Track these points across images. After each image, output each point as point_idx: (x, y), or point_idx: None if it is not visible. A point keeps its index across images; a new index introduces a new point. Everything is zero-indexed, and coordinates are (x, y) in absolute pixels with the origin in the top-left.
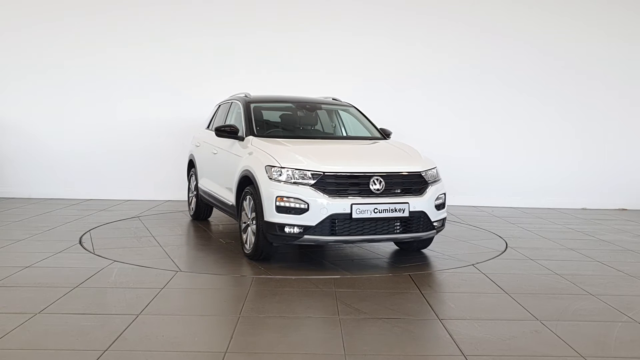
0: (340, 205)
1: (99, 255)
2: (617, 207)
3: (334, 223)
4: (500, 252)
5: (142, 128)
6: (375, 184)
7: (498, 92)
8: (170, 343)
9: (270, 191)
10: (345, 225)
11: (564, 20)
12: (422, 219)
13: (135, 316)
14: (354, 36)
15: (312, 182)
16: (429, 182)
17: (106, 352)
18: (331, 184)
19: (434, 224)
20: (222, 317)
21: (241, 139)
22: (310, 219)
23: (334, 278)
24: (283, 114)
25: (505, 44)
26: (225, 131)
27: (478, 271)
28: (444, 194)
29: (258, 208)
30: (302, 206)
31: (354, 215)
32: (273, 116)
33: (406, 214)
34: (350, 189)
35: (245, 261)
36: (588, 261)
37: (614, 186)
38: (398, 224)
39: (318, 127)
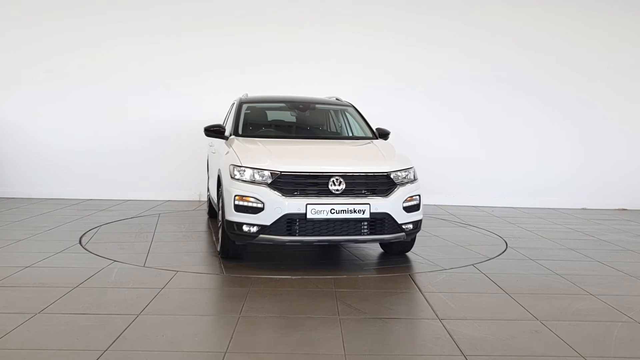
0: (295, 205)
1: (99, 255)
2: (617, 207)
3: (289, 223)
4: (500, 252)
5: (142, 128)
6: (334, 184)
7: (498, 92)
8: (170, 343)
9: (230, 190)
10: (301, 225)
11: (565, 21)
12: (386, 221)
13: (135, 316)
14: (354, 36)
15: (269, 181)
16: (398, 183)
17: (106, 352)
18: (288, 183)
19: (403, 226)
20: (222, 317)
21: (226, 138)
22: (266, 218)
23: (334, 278)
24: (275, 113)
25: (506, 44)
26: (212, 131)
27: (478, 271)
28: (419, 195)
29: (222, 207)
30: (258, 205)
31: (309, 216)
32: (265, 116)
33: (366, 215)
34: (309, 189)
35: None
36: (588, 261)
37: (614, 186)
38: (365, 224)
39: (308, 127)
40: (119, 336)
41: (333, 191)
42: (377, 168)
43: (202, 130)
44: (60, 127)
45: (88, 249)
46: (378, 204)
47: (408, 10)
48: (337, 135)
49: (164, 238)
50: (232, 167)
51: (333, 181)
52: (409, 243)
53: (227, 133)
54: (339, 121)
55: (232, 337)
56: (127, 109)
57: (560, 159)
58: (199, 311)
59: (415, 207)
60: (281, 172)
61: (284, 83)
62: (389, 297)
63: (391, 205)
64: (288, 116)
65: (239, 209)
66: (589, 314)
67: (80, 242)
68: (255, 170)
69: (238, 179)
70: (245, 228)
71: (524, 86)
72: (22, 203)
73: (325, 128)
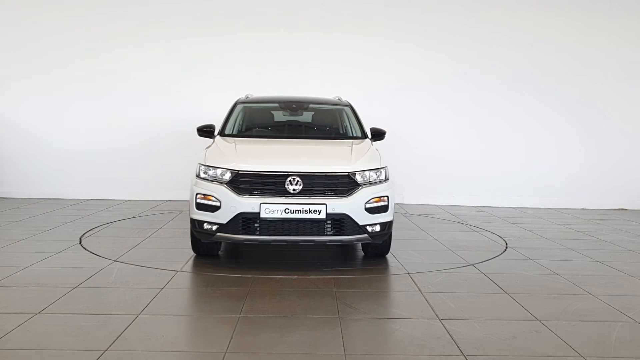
0: (249, 204)
1: (99, 255)
2: (617, 207)
3: (244, 222)
4: (500, 252)
5: (142, 128)
6: (291, 184)
7: (498, 92)
8: (170, 343)
9: (193, 189)
10: (255, 224)
11: (565, 20)
12: (345, 222)
13: (135, 316)
14: (355, 36)
15: (227, 180)
16: (362, 183)
17: (106, 352)
18: (245, 182)
19: (368, 227)
20: (222, 317)
21: (213, 138)
22: (222, 216)
23: (334, 278)
24: (269, 114)
25: (506, 44)
26: (204, 131)
27: (478, 271)
28: (387, 196)
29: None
30: (216, 204)
31: (263, 215)
32: (258, 116)
33: (322, 215)
34: (266, 188)
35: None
36: (588, 261)
37: (614, 186)
38: (327, 225)
39: (297, 127)
40: (119, 336)
41: (290, 191)
42: (338, 168)
43: None
44: (60, 127)
45: (88, 249)
46: (335, 205)
47: (409, 10)
48: (323, 135)
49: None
50: (197, 165)
51: (290, 181)
52: (382, 246)
53: (215, 133)
54: (333, 121)
55: (232, 337)
56: (128, 109)
57: (561, 159)
58: (199, 311)
59: (383, 209)
60: (238, 171)
61: (285, 84)
62: (389, 297)
63: (351, 206)
64: (280, 116)
65: (200, 207)
66: (589, 314)
67: (80, 242)
68: (215, 170)
69: (201, 178)
70: (205, 226)
71: (525, 86)
72: (22, 203)
73: (315, 128)
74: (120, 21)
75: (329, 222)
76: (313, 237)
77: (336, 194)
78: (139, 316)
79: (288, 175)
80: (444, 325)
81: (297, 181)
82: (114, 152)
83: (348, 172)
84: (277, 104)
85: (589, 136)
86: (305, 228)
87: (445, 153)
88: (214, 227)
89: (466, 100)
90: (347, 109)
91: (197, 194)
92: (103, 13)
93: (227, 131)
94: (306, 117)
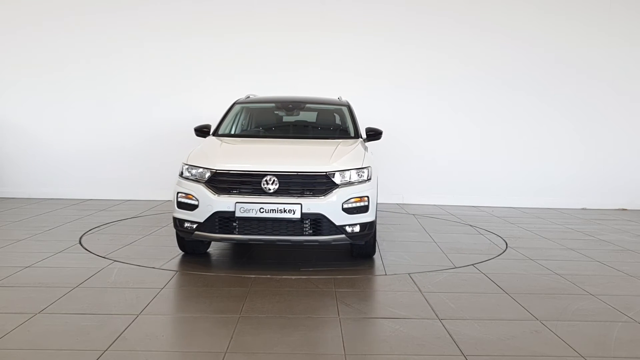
0: (225, 203)
1: (99, 255)
2: (617, 207)
3: (220, 221)
4: (500, 252)
5: (142, 128)
6: (267, 184)
7: (499, 91)
8: (170, 343)
9: (175, 188)
10: (232, 223)
11: (564, 20)
12: (321, 222)
13: (135, 316)
14: (356, 36)
15: (205, 179)
16: (340, 183)
17: (106, 352)
18: (222, 181)
19: (345, 228)
20: (222, 317)
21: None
22: (200, 215)
23: (334, 278)
24: (265, 114)
25: (506, 44)
26: (200, 131)
27: (478, 271)
28: (367, 197)
29: None
30: (194, 203)
31: (238, 214)
32: (253, 116)
33: (297, 215)
34: (242, 187)
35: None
36: (588, 261)
37: (614, 186)
38: (306, 225)
39: (291, 127)
40: (119, 336)
41: (266, 190)
42: (315, 168)
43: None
44: (60, 127)
45: (88, 249)
46: (311, 205)
47: (409, 10)
48: (314, 135)
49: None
50: (181, 164)
51: (266, 180)
52: (366, 246)
53: (210, 133)
54: (327, 121)
55: (232, 337)
56: (128, 109)
57: (561, 159)
58: (199, 311)
59: (363, 209)
60: (216, 170)
61: (285, 84)
62: (389, 297)
63: (327, 206)
64: (276, 117)
65: (180, 205)
66: (589, 314)
67: (80, 242)
68: (197, 169)
69: (183, 177)
70: (186, 225)
71: (525, 86)
72: (22, 203)
73: (308, 128)
74: (121, 22)
75: (306, 222)
76: (289, 236)
77: (313, 193)
78: (139, 316)
79: (264, 175)
80: (444, 325)
81: (274, 181)
82: (114, 152)
83: (325, 172)
84: (273, 104)
85: (589, 136)
86: (281, 228)
87: (445, 153)
88: (193, 226)
89: (466, 100)
90: (344, 109)
91: (178, 192)
92: (103, 14)
93: (220, 131)
94: (302, 117)
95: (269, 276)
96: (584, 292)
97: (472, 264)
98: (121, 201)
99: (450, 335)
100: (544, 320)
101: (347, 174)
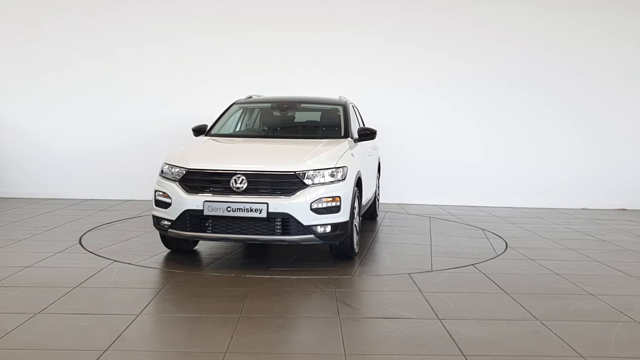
0: (194, 201)
1: (99, 255)
2: (617, 207)
3: (191, 219)
4: (500, 252)
5: (142, 128)
6: (236, 183)
7: (498, 92)
8: (170, 343)
9: (154, 186)
10: (201, 222)
11: (565, 20)
12: (290, 222)
13: (135, 316)
14: (356, 37)
15: (179, 178)
16: (310, 183)
17: (106, 352)
18: (194, 180)
19: (314, 228)
20: (222, 317)
21: None
22: (172, 213)
23: (334, 278)
24: (260, 114)
25: (506, 44)
26: (197, 130)
27: (478, 271)
28: (339, 197)
29: None
30: (168, 201)
31: (206, 212)
32: (249, 117)
33: (263, 214)
34: (213, 186)
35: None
36: (588, 261)
37: (614, 186)
38: (276, 224)
39: (281, 127)
40: (119, 336)
41: (234, 189)
42: (285, 167)
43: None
44: (60, 127)
45: (88, 249)
46: (278, 204)
47: (409, 10)
48: (303, 135)
49: None
50: (163, 164)
51: (235, 179)
52: (342, 247)
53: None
54: (320, 121)
55: (232, 337)
56: (128, 108)
57: (561, 159)
58: (199, 311)
59: (334, 209)
60: (188, 169)
61: (285, 84)
62: (389, 297)
63: (294, 205)
64: (269, 117)
65: (157, 203)
66: (589, 314)
67: (80, 242)
68: (173, 167)
69: (162, 176)
70: (162, 222)
71: (525, 86)
72: (22, 203)
73: (298, 128)
74: (121, 22)
75: (275, 221)
76: (257, 236)
77: (281, 193)
78: (139, 316)
79: (233, 174)
80: (444, 325)
81: (242, 180)
82: (114, 152)
83: (294, 172)
84: (269, 105)
85: (589, 136)
86: (249, 227)
87: (445, 153)
88: (168, 224)
89: (467, 100)
90: (340, 108)
91: (155, 191)
92: (104, 14)
93: (213, 131)
94: (297, 117)
95: (269, 276)
96: (584, 292)
97: (472, 264)
98: (121, 201)
99: (450, 335)
100: (544, 320)
101: (318, 173)
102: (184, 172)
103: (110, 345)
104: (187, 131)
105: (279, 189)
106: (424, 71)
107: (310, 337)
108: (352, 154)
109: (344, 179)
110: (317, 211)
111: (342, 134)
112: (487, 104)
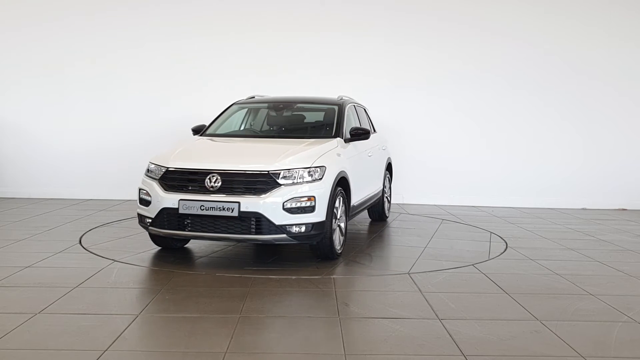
0: (171, 200)
1: (99, 255)
2: (617, 207)
3: (168, 217)
4: (500, 252)
5: (142, 128)
6: (210, 182)
7: (499, 92)
8: (170, 343)
9: (139, 185)
10: (176, 220)
11: (564, 20)
12: (262, 221)
13: (135, 316)
14: (357, 37)
15: (159, 177)
16: (284, 182)
17: (106, 352)
18: (172, 179)
19: (287, 228)
20: (222, 317)
21: None
22: (152, 211)
23: (333, 278)
24: (255, 114)
25: (506, 44)
26: (196, 130)
27: (478, 271)
28: (314, 196)
29: None
30: (149, 199)
31: (181, 211)
32: (245, 117)
33: (235, 213)
34: (189, 185)
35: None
36: (588, 261)
37: (614, 186)
38: (249, 223)
39: (276, 127)
40: (119, 336)
41: (209, 188)
42: (258, 166)
43: None
44: (60, 127)
45: (88, 249)
46: (249, 203)
47: (409, 11)
48: (291, 135)
49: None
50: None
51: (210, 178)
52: (321, 247)
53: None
54: (314, 120)
55: (232, 337)
56: (128, 108)
57: (561, 159)
58: (199, 311)
59: (308, 209)
60: (167, 168)
61: (286, 84)
62: (389, 297)
63: (266, 204)
64: (265, 117)
65: (141, 202)
66: (589, 314)
67: (80, 242)
68: (155, 166)
69: (146, 175)
70: (145, 220)
71: (525, 86)
72: (22, 203)
73: (291, 128)
74: (121, 22)
75: (249, 220)
76: (230, 234)
77: (254, 192)
78: (139, 316)
79: (208, 173)
80: (444, 325)
81: (216, 179)
82: (115, 152)
83: (267, 171)
84: (266, 105)
85: (589, 136)
86: (222, 225)
87: (445, 153)
88: (149, 221)
89: (466, 100)
90: (335, 108)
91: (139, 189)
92: (104, 14)
93: (209, 131)
94: (292, 117)
95: (269, 276)
96: (584, 292)
97: (472, 264)
98: (121, 201)
99: (450, 335)
100: (544, 320)
101: (292, 173)
102: (163, 171)
103: (110, 345)
104: (187, 131)
105: (253, 188)
106: (424, 71)
107: (310, 337)
108: (337, 154)
109: (321, 178)
110: (290, 211)
111: (333, 134)
112: (487, 104)
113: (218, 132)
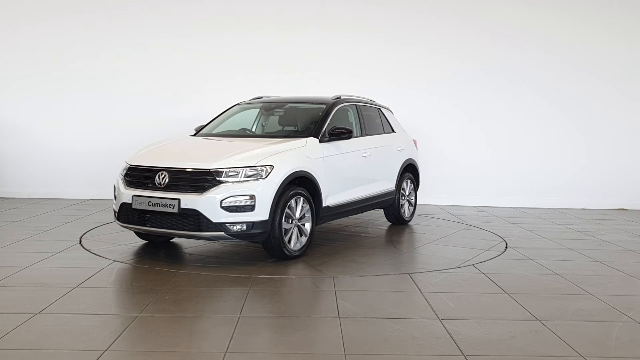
0: (127, 195)
1: (99, 255)
2: (617, 207)
3: (126, 212)
4: (500, 252)
5: (143, 128)
6: (159, 179)
7: (499, 91)
8: (170, 343)
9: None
10: (131, 214)
11: (565, 19)
12: (200, 218)
13: (135, 316)
14: (356, 37)
15: (123, 174)
16: (225, 181)
17: (106, 352)
18: (132, 176)
19: (225, 225)
20: (222, 317)
21: None
22: (117, 206)
23: (333, 278)
24: (250, 115)
25: (506, 44)
26: (196, 130)
27: (478, 271)
28: (253, 195)
29: None
30: (116, 194)
31: (134, 206)
32: (241, 117)
33: (175, 210)
34: (144, 181)
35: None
36: (588, 261)
37: (614, 186)
38: (189, 220)
39: (264, 126)
40: (119, 336)
41: (158, 185)
42: (201, 165)
43: None
44: (60, 128)
45: (88, 249)
46: (189, 200)
47: (409, 11)
48: (272, 134)
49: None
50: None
51: (159, 175)
52: (270, 247)
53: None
54: (298, 120)
55: (232, 337)
56: (129, 108)
57: (561, 159)
58: (199, 311)
59: (248, 208)
60: (130, 165)
61: (286, 85)
62: (389, 297)
63: (203, 202)
64: (258, 117)
65: (115, 197)
66: (589, 314)
67: (80, 242)
68: (124, 164)
69: (121, 172)
70: (116, 214)
71: (525, 86)
72: (22, 203)
73: (280, 127)
74: (122, 21)
75: (190, 217)
76: (172, 230)
77: (195, 190)
78: (139, 316)
79: (158, 171)
80: (444, 325)
81: (165, 176)
82: (115, 152)
83: (209, 169)
84: (261, 105)
85: (589, 136)
86: (166, 221)
87: (445, 153)
88: (116, 215)
89: (467, 100)
90: (324, 107)
91: (114, 185)
92: (104, 14)
93: (204, 130)
94: (282, 117)
95: (269, 276)
96: (584, 292)
97: (472, 264)
98: None
99: (450, 335)
100: (544, 320)
101: (234, 171)
102: (127, 168)
103: (110, 345)
104: (187, 131)
105: (195, 186)
106: (424, 71)
107: (310, 337)
108: (301, 154)
109: (265, 177)
110: (228, 209)
111: (308, 134)
112: (487, 105)
113: (214, 132)
